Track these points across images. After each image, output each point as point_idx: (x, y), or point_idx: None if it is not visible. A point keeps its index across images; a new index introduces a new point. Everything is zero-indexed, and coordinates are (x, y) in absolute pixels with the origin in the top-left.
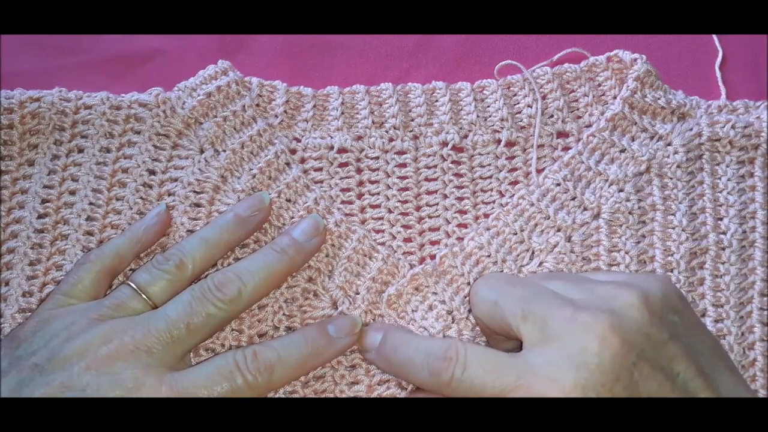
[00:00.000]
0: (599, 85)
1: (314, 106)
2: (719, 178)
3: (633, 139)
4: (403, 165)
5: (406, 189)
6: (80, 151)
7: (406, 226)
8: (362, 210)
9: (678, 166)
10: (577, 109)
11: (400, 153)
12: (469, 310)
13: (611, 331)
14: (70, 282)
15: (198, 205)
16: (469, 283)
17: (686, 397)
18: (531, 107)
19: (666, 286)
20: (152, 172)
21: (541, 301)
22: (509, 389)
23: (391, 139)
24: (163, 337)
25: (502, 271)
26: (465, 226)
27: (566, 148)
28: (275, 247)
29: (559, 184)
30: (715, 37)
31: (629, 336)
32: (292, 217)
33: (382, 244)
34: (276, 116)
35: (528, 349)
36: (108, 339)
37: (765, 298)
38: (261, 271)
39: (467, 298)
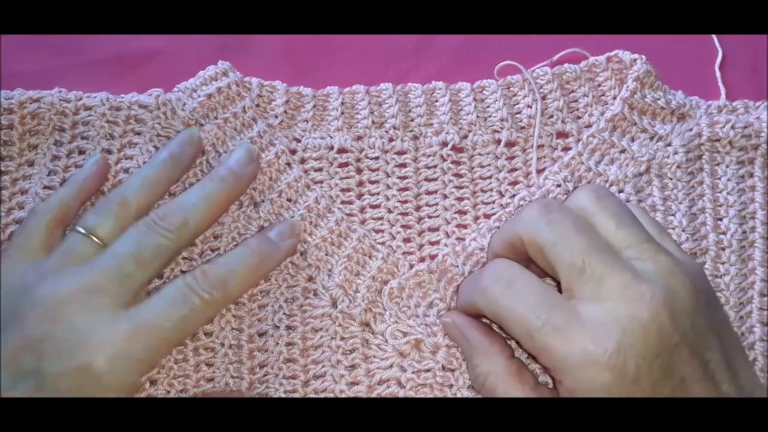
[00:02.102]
0: (599, 85)
1: (314, 106)
2: (719, 179)
3: (633, 140)
4: (403, 165)
5: (405, 189)
6: (81, 152)
7: (405, 226)
8: (362, 210)
9: (678, 167)
10: (577, 110)
11: (400, 153)
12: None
13: (664, 308)
14: (22, 238)
15: None
16: None
17: (711, 385)
18: (531, 107)
19: (706, 278)
20: None
21: (603, 259)
22: (552, 329)
23: (391, 139)
24: (114, 273)
25: None
26: (465, 226)
27: (566, 149)
28: (213, 177)
29: (559, 185)
30: (714, 37)
31: (678, 317)
32: (293, 216)
33: (382, 243)
34: (276, 117)
35: (578, 300)
36: (59, 286)
37: (765, 298)
38: (202, 200)
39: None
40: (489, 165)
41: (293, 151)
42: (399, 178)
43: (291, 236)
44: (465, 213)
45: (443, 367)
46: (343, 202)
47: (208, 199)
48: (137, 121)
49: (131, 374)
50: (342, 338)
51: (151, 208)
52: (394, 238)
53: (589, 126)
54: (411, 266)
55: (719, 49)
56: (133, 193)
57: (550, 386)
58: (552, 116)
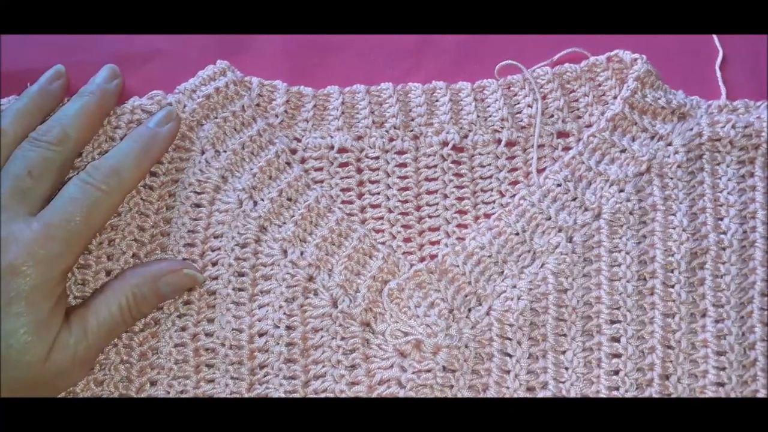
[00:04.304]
0: (599, 85)
1: (315, 105)
2: (720, 178)
3: (633, 139)
4: (404, 165)
5: (406, 189)
6: (79, 155)
7: (406, 226)
8: (362, 210)
9: (678, 166)
10: (578, 109)
11: (401, 153)
12: (469, 309)
13: None
14: None
15: (198, 206)
16: (470, 283)
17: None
18: (531, 107)
19: None
20: (153, 174)
21: None
22: None
23: (391, 139)
24: (13, 190)
25: (502, 272)
26: (465, 226)
27: (567, 148)
28: (83, 93)
29: (560, 185)
30: (715, 37)
31: None
32: (293, 216)
33: (383, 243)
34: (276, 116)
35: None
36: None
37: (765, 298)
38: (77, 113)
39: (467, 297)
40: (489, 165)
41: (294, 151)
42: (399, 177)
43: (169, 121)
44: (465, 213)
45: (444, 368)
46: (343, 202)
47: (82, 110)
48: (139, 123)
49: (53, 268)
50: (342, 338)
51: (27, 136)
52: (395, 237)
53: (589, 125)
54: (411, 266)
55: (720, 48)
56: (8, 122)
57: (551, 387)
58: (552, 116)
